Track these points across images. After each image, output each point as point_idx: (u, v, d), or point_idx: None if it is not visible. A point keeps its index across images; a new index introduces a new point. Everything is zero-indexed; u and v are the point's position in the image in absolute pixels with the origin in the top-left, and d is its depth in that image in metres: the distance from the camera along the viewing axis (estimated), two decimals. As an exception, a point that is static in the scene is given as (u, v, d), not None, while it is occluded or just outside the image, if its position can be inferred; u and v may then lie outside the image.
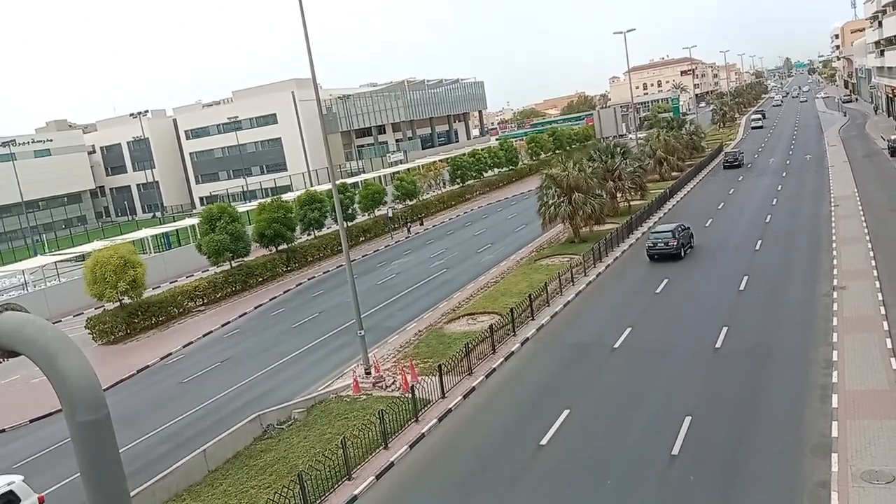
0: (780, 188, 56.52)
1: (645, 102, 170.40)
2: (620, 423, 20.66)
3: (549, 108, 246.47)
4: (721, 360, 24.04)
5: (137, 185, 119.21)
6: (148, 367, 34.02)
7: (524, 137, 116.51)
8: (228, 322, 39.90)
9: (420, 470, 19.88)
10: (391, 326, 33.96)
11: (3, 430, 28.30)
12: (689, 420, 19.65)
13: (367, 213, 63.26)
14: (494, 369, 26.12)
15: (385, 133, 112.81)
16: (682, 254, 39.15)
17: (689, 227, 41.16)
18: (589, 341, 27.99)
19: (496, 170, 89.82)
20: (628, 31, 76.08)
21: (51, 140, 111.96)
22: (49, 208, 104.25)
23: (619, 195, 53.31)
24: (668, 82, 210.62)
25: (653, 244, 39.40)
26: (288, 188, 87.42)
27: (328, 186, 56.49)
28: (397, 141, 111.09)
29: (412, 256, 51.35)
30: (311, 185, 77.99)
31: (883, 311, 25.55)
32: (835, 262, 32.85)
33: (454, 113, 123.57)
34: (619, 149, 54.95)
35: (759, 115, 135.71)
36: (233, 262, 47.22)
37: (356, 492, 18.84)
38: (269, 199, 52.89)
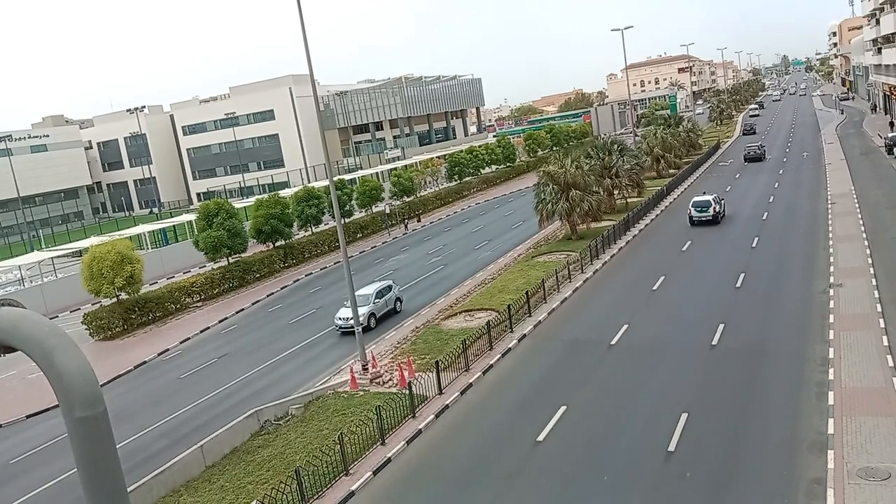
0: (776, 185, 56.58)
1: (642, 100, 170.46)
2: (617, 419, 20.70)
3: (547, 105, 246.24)
4: (717, 356, 24.08)
5: (134, 181, 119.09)
6: (145, 362, 34.01)
7: (522, 134, 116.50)
8: (226, 318, 39.88)
9: (417, 466, 19.91)
10: (388, 322, 33.96)
11: (0, 426, 28.27)
12: (686, 417, 19.69)
13: (364, 210, 63.22)
14: (491, 366, 26.14)
15: (382, 129, 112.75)
16: (763, 158, 70.49)
17: (764, 146, 72.57)
18: (586, 338, 28.03)
19: (493, 167, 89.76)
20: (626, 29, 76.13)
21: (47, 135, 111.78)
22: (46, 204, 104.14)
23: (616, 192, 53.30)
24: (665, 80, 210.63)
25: (747, 153, 71.74)
26: (285, 184, 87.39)
27: (325, 183, 56.51)
28: (395, 137, 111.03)
29: (409, 253, 51.35)
30: (309, 182, 78.00)
31: (879, 309, 25.60)
32: (831, 259, 32.90)
33: (451, 110, 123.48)
34: (616, 146, 54.94)
35: (757, 106, 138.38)
36: (230, 258, 47.18)
37: (353, 487, 18.86)
38: (266, 196, 52.84)
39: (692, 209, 45.30)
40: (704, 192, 48.03)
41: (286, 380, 28.40)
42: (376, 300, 34.31)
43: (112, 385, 31.17)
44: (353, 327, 30.74)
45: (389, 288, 35.70)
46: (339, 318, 33.37)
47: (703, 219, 44.66)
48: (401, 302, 36.10)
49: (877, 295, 27.08)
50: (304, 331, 34.83)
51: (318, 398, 25.17)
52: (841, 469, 15.98)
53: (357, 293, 32.67)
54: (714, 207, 44.80)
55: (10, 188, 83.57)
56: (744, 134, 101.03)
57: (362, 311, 32.33)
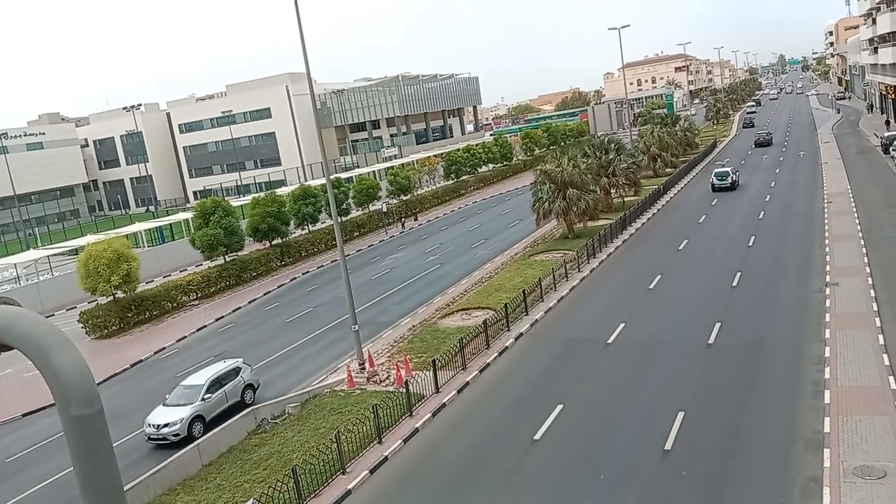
0: (773, 185, 56.65)
1: (639, 99, 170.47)
2: (614, 418, 20.72)
3: (544, 103, 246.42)
4: (714, 355, 24.12)
5: (131, 179, 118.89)
6: (141, 361, 33.96)
7: (519, 133, 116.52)
8: (222, 316, 39.83)
9: (414, 464, 19.91)
10: (385, 321, 33.96)
11: (-4, 425, 28.21)
12: (682, 415, 19.72)
13: (361, 208, 63.17)
14: (488, 364, 26.15)
15: (379, 128, 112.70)
16: (771, 143, 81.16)
17: (771, 133, 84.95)
18: (582, 337, 28.05)
19: (490, 165, 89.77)
20: (623, 27, 76.30)
21: (43, 133, 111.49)
22: (42, 202, 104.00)
23: (612, 191, 53.33)
24: (662, 78, 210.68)
25: (757, 138, 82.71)
26: (282, 183, 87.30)
27: (322, 181, 56.46)
28: (391, 136, 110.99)
29: (406, 251, 51.34)
30: (305, 180, 77.94)
31: (875, 308, 25.65)
32: (827, 258, 32.96)
33: (448, 108, 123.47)
34: (612, 145, 54.97)
35: (754, 104, 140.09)
36: (227, 256, 47.13)
37: (350, 486, 18.86)
38: (263, 194, 52.80)
39: (714, 178, 56.91)
40: (723, 165, 61.40)
41: (283, 378, 28.38)
42: (208, 395, 24.24)
43: (108, 383, 31.12)
44: (164, 438, 22.95)
45: (235, 372, 25.89)
46: (151, 425, 23.40)
47: (723, 185, 55.90)
48: (255, 390, 26.34)
49: (873, 294, 27.14)
50: (301, 329, 34.80)
51: (314, 397, 25.16)
52: (837, 467, 16.02)
53: (183, 384, 25.17)
54: (731, 177, 56.16)
55: (6, 186, 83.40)
56: (744, 127, 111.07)
57: (182, 413, 23.46)
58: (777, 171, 63.69)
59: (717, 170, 58.40)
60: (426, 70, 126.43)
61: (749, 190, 55.85)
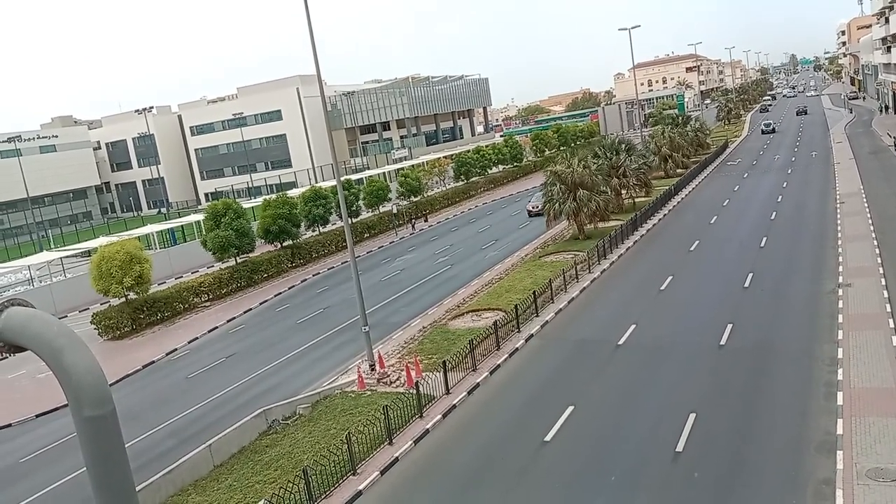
0: (785, 185, 56.35)
1: (650, 99, 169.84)
2: (625, 419, 20.66)
3: (554, 104, 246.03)
4: (725, 357, 24.00)
5: (143, 181, 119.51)
6: (153, 362, 34.14)
7: (529, 134, 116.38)
8: (233, 318, 39.98)
9: (424, 466, 19.92)
10: (396, 322, 33.99)
11: (10, 425, 28.42)
12: (694, 417, 19.64)
13: (371, 210, 63.28)
14: (499, 366, 26.13)
15: (389, 129, 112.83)
16: (807, 113, 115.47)
17: (806, 105, 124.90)
18: (593, 338, 27.98)
19: (500, 166, 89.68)
20: (633, 28, 76.11)
21: (56, 136, 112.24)
22: (54, 204, 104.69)
23: (623, 192, 53.15)
24: (673, 79, 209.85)
25: (797, 109, 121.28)
26: (293, 184, 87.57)
27: (333, 183, 56.57)
28: (402, 137, 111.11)
29: (417, 253, 51.36)
30: (316, 182, 78.10)
31: (888, 309, 25.45)
32: (840, 259, 32.74)
33: (458, 109, 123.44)
34: (623, 145, 54.78)
35: (770, 98, 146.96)
36: (238, 258, 47.30)
37: (361, 487, 18.89)
38: (273, 196, 52.94)
39: (762, 126, 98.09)
40: (768, 119, 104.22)
41: (294, 379, 28.45)
42: None
43: (120, 385, 31.30)
44: None
45: None
46: None
47: (768, 130, 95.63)
48: None
49: (886, 295, 26.93)
50: (312, 330, 34.89)
51: (325, 398, 25.22)
52: (850, 470, 15.91)
53: None
54: (773, 125, 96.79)
55: (19, 188, 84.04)
56: (760, 111, 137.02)
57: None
58: (789, 171, 63.33)
59: (763, 121, 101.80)
60: (432, 71, 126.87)
61: (761, 190, 55.58)
